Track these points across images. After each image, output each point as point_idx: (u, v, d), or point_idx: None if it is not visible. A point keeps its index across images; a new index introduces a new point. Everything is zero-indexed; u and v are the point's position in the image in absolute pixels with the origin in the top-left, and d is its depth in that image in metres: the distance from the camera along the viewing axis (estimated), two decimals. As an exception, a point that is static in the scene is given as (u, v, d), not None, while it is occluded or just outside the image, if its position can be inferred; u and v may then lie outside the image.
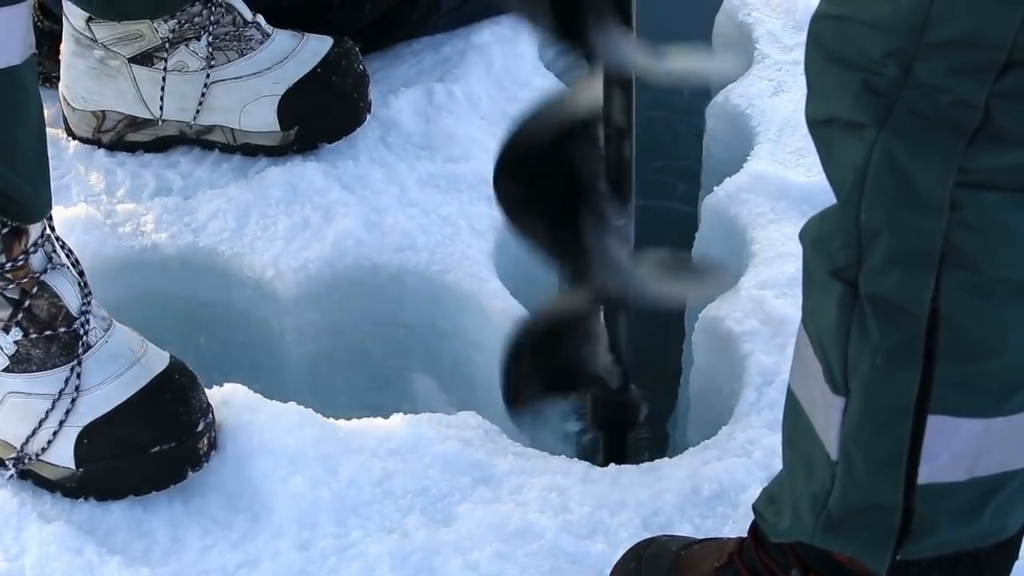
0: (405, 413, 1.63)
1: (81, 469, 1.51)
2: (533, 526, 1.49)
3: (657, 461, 1.59)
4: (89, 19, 1.88)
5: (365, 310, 1.86)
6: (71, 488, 1.53)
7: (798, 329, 1.15)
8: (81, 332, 1.51)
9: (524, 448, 1.60)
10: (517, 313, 1.75)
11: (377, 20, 2.07)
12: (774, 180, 1.86)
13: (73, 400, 1.51)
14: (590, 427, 1.72)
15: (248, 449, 1.55)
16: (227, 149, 1.94)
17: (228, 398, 1.60)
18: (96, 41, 1.89)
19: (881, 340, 1.06)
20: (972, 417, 1.08)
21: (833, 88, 1.04)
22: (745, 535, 1.31)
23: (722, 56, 1.70)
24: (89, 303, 1.53)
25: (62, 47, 1.93)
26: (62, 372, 1.51)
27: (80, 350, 1.51)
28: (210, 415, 1.54)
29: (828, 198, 1.08)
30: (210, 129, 1.93)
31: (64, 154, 1.95)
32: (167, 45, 1.88)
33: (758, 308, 1.70)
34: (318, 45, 1.92)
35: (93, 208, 1.88)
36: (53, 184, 1.54)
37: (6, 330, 1.50)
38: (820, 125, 1.07)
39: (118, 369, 1.52)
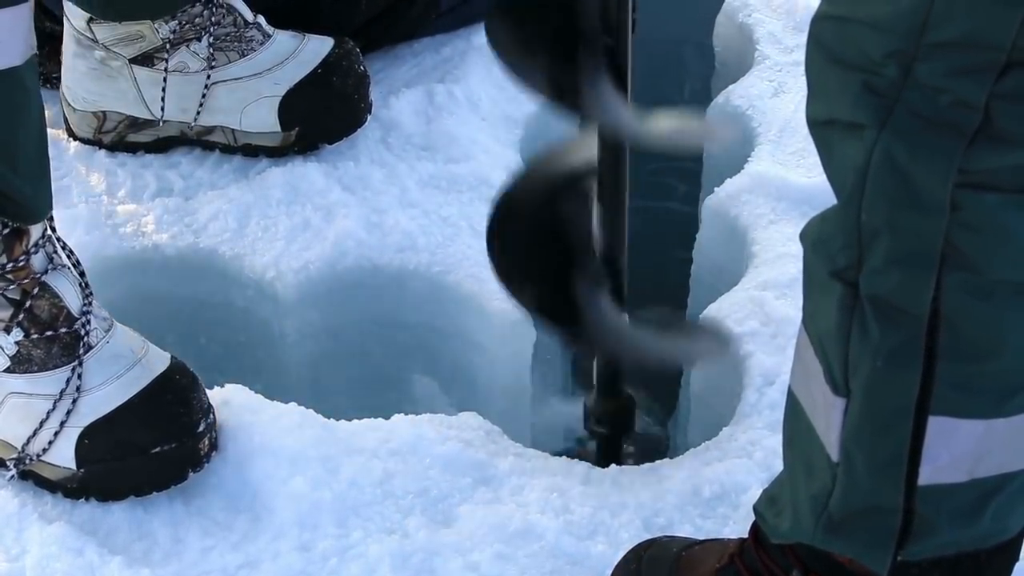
0: (406, 414, 1.63)
1: (82, 470, 1.51)
2: (534, 527, 1.49)
3: (658, 462, 1.59)
4: (90, 20, 1.88)
5: (366, 311, 1.86)
6: (72, 489, 1.53)
7: (799, 330, 1.15)
8: (82, 333, 1.51)
9: (525, 449, 1.60)
10: (518, 314, 1.75)
11: (375, 18, 2.07)
12: (775, 181, 1.86)
13: (74, 401, 1.51)
14: (589, 431, 1.73)
15: (249, 450, 1.55)
16: (228, 150, 1.94)
17: (229, 399, 1.60)
18: (97, 42, 1.89)
19: (882, 341, 1.06)
20: (973, 418, 1.08)
21: (833, 89, 1.04)
22: (746, 536, 1.31)
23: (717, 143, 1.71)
24: (90, 304, 1.53)
25: (63, 48, 1.93)
26: (63, 373, 1.51)
27: (81, 351, 1.51)
28: (211, 416, 1.54)
29: (829, 199, 1.08)
30: (211, 130, 1.93)
31: (65, 155, 1.95)
32: (168, 46, 1.88)
33: (759, 309, 1.70)
34: (319, 46, 1.92)
35: (94, 209, 1.88)
36: (54, 185, 1.54)
37: (7, 331, 1.50)
38: (820, 126, 1.07)
39: (119, 370, 1.52)
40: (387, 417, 1.62)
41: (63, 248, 1.55)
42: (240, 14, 1.90)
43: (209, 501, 1.53)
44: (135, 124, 1.93)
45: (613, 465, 1.59)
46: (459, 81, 2.04)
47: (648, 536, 1.46)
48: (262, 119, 1.90)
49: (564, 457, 1.60)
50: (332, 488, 1.53)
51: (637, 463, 1.62)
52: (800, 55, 1.09)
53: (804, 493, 1.17)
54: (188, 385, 1.54)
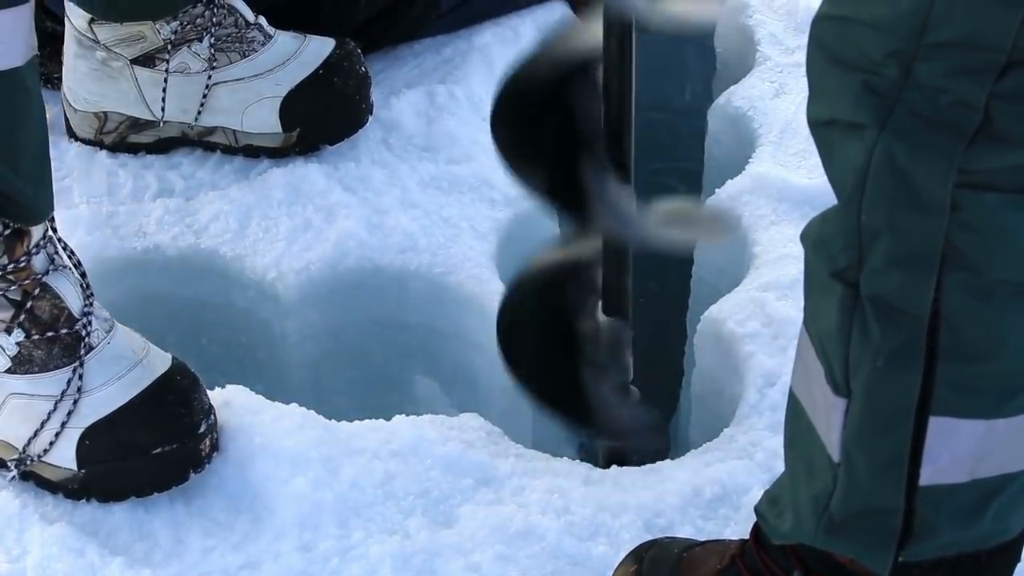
0: (407, 415, 1.63)
1: (83, 470, 1.51)
2: (535, 528, 1.49)
3: (659, 463, 1.59)
4: (91, 20, 1.88)
5: (367, 311, 1.86)
6: (73, 489, 1.53)
7: (800, 331, 1.15)
8: (83, 333, 1.51)
9: (526, 450, 1.60)
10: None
11: (376, 18, 2.07)
12: (775, 182, 1.86)
13: (75, 401, 1.51)
14: (591, 433, 1.73)
15: (250, 451, 1.55)
16: (229, 151, 1.94)
17: (230, 399, 1.60)
18: (98, 42, 1.89)
19: (882, 342, 1.06)
20: (973, 419, 1.08)
21: (834, 89, 1.04)
22: (747, 537, 1.31)
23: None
24: (91, 304, 1.53)
25: (64, 48, 1.93)
26: (64, 373, 1.51)
27: (82, 351, 1.51)
28: (212, 417, 1.54)
29: (829, 200, 1.08)
30: (212, 131, 1.93)
31: (66, 155, 1.95)
32: (169, 46, 1.88)
33: (760, 310, 1.70)
34: (320, 47, 1.92)
35: (95, 209, 1.88)
36: (55, 185, 1.54)
37: (8, 331, 1.50)
38: (821, 126, 1.07)
39: (120, 370, 1.52)
40: (388, 418, 1.62)
41: (64, 249, 1.55)
42: (241, 15, 1.90)
43: (210, 502, 1.53)
44: (136, 125, 1.93)
45: (614, 466, 1.59)
46: (460, 82, 2.04)
47: (649, 537, 1.46)
48: (263, 120, 1.90)
49: (565, 458, 1.60)
50: (333, 489, 1.53)
51: (638, 464, 1.61)
52: (801, 56, 1.09)
53: (805, 494, 1.17)
54: (189, 386, 1.54)
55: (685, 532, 1.48)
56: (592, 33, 1.39)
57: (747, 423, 1.59)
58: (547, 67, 1.43)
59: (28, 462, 1.52)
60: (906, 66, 0.98)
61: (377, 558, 1.47)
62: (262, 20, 1.92)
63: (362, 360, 1.89)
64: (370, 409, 1.69)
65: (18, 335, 1.50)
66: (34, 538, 1.48)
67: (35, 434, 1.51)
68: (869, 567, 1.17)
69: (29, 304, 1.50)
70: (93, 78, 1.91)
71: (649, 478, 1.56)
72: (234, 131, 1.92)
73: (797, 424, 1.18)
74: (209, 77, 1.89)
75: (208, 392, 1.57)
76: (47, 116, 1.51)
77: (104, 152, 1.95)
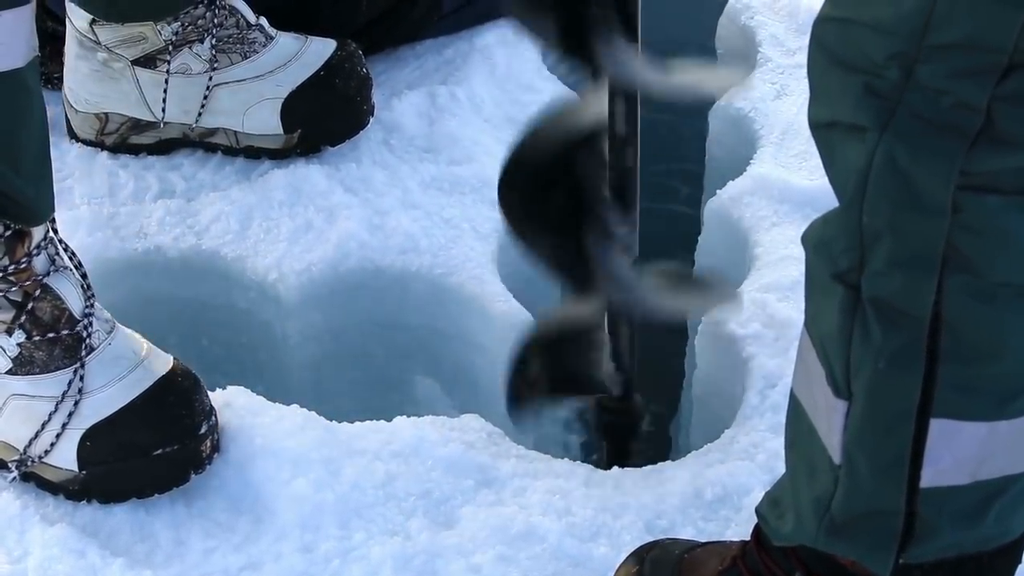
0: (408, 416, 1.63)
1: (84, 471, 1.51)
2: (536, 529, 1.49)
3: (660, 464, 1.59)
4: (92, 21, 1.88)
5: (368, 312, 1.86)
6: (74, 490, 1.53)
7: (801, 332, 1.15)
8: (84, 334, 1.51)
9: (527, 451, 1.60)
10: (520, 316, 1.75)
11: (377, 20, 2.07)
12: (777, 183, 1.86)
13: (76, 402, 1.51)
14: (592, 434, 1.73)
15: (251, 452, 1.55)
16: (230, 152, 1.94)
17: (231, 401, 1.60)
18: (99, 43, 1.89)
19: (883, 344, 1.06)
20: (975, 420, 1.08)
21: (835, 91, 1.04)
22: (748, 538, 1.31)
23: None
24: (92, 305, 1.53)
25: (65, 49, 1.93)
26: (65, 374, 1.51)
27: (83, 352, 1.51)
28: (213, 418, 1.54)
29: (831, 201, 1.08)
30: (213, 132, 1.93)
31: (67, 156, 1.95)
32: (170, 47, 1.88)
33: (761, 311, 1.70)
34: (321, 48, 1.92)
35: (96, 210, 1.88)
36: (56, 186, 1.54)
37: (9, 332, 1.50)
38: (822, 128, 1.07)
39: (121, 372, 1.52)
40: (389, 419, 1.62)
41: (65, 250, 1.55)
42: (243, 16, 1.90)
43: (211, 503, 1.53)
44: (137, 126, 1.93)
45: (615, 467, 1.59)
46: (461, 83, 2.04)
47: (650, 538, 1.46)
48: (264, 121, 1.90)
49: (566, 459, 1.60)
50: (334, 490, 1.53)
51: (640, 464, 1.62)
52: (802, 57, 1.09)
53: (806, 495, 1.17)
54: (190, 387, 1.54)
55: (686, 533, 1.48)
56: (597, 105, 1.40)
57: (748, 424, 1.59)
58: (552, 140, 1.44)
59: (29, 463, 1.52)
60: (907, 68, 0.98)
61: (378, 559, 1.47)
62: (263, 21, 1.92)
63: (363, 361, 1.89)
64: (371, 410, 1.69)
65: (19, 336, 1.50)
66: (35, 539, 1.48)
67: (36, 435, 1.51)
68: (870, 569, 1.17)
69: (30, 305, 1.50)
70: (94, 79, 1.91)
71: (650, 479, 1.56)
72: (235, 132, 1.92)
73: (798, 426, 1.18)
74: (210, 78, 1.89)
75: (209, 393, 1.57)
76: (48, 117, 1.51)
77: (105, 153, 1.95)
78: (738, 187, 1.88)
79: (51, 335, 1.50)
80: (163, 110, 1.91)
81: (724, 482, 1.53)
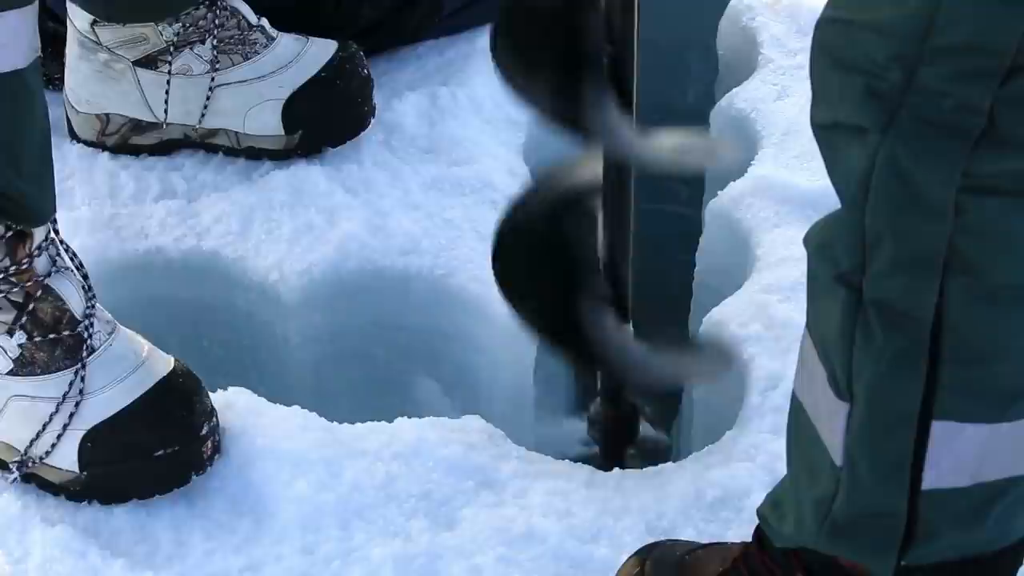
0: (408, 417, 1.63)
1: (85, 472, 1.51)
2: (537, 530, 1.49)
3: (661, 466, 1.59)
4: (94, 22, 1.88)
5: (369, 313, 1.86)
6: (75, 491, 1.53)
7: (802, 334, 1.15)
8: (85, 335, 1.51)
9: (528, 452, 1.60)
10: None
11: (378, 21, 2.07)
12: (778, 184, 1.86)
13: (77, 403, 1.51)
14: (593, 438, 1.73)
15: (251, 453, 1.55)
16: (231, 152, 1.94)
17: (232, 402, 1.60)
18: (100, 44, 1.89)
19: (885, 345, 1.06)
20: (977, 422, 1.08)
21: (837, 92, 1.04)
22: (749, 540, 1.31)
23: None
24: (93, 306, 1.53)
25: (67, 50, 1.93)
26: (66, 375, 1.51)
27: (84, 353, 1.51)
28: (214, 419, 1.54)
29: (832, 202, 1.08)
30: (214, 133, 1.93)
31: (68, 157, 1.95)
32: (172, 48, 1.88)
33: (762, 312, 1.70)
34: (322, 49, 1.92)
35: (97, 211, 1.88)
36: (57, 187, 1.54)
37: (10, 333, 1.50)
38: (824, 129, 1.07)
39: (122, 373, 1.52)
40: (390, 420, 1.62)
41: (66, 251, 1.55)
42: (244, 17, 1.90)
43: (212, 504, 1.53)
44: (138, 127, 1.93)
45: (616, 469, 1.59)
46: (462, 84, 2.04)
47: (651, 540, 1.46)
48: (265, 122, 1.90)
49: (567, 460, 1.60)
50: (335, 491, 1.53)
51: (640, 467, 1.61)
52: (804, 58, 1.09)
53: (808, 497, 1.17)
54: (191, 388, 1.54)
55: (687, 535, 1.48)
56: (590, 166, 1.41)
57: (749, 426, 1.59)
58: (547, 201, 1.44)
59: (30, 464, 1.52)
60: (910, 70, 0.98)
61: (379, 560, 1.47)
62: (264, 22, 1.92)
63: (364, 362, 1.89)
64: (372, 411, 1.69)
65: (20, 337, 1.50)
66: (36, 540, 1.48)
67: (37, 436, 1.51)
68: (871, 571, 1.17)
69: (31, 306, 1.49)
70: (95, 80, 1.91)
71: (651, 480, 1.56)
72: (236, 133, 1.92)
73: (800, 427, 1.18)
74: (212, 79, 1.89)
75: (210, 394, 1.57)
76: (49, 118, 1.51)
77: (106, 154, 1.95)
78: (739, 188, 1.88)
79: (52, 336, 1.50)
80: (165, 111, 1.91)
81: (725, 483, 1.53)
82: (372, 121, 1.96)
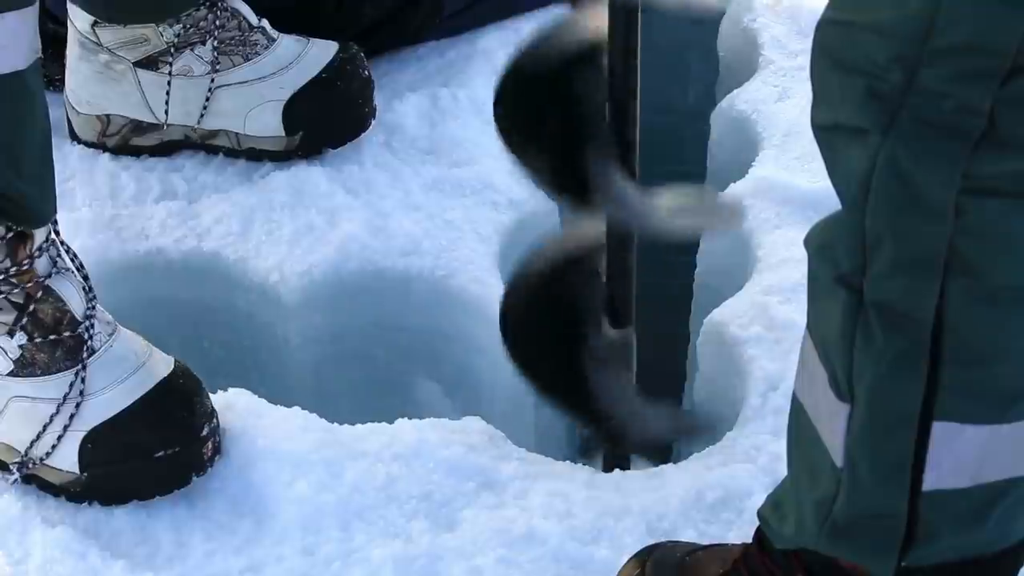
0: (409, 418, 1.63)
1: (85, 473, 1.51)
2: (537, 531, 1.49)
3: (661, 467, 1.59)
4: (94, 23, 1.88)
5: (369, 314, 1.86)
6: (75, 492, 1.53)
7: (803, 335, 1.15)
8: (86, 336, 1.51)
9: (528, 453, 1.60)
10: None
11: (379, 22, 2.07)
12: (779, 186, 1.86)
13: (78, 404, 1.51)
14: (594, 440, 1.73)
15: (252, 454, 1.55)
16: (231, 153, 1.94)
17: (232, 403, 1.60)
18: (101, 45, 1.89)
19: (886, 347, 1.06)
20: (977, 424, 1.08)
21: (837, 94, 1.04)
22: (750, 541, 1.31)
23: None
24: (93, 307, 1.53)
25: (67, 51, 1.93)
26: (67, 376, 1.51)
27: (85, 354, 1.51)
28: (214, 420, 1.54)
29: (833, 204, 1.08)
30: (215, 134, 1.93)
31: (68, 158, 1.95)
32: (172, 49, 1.88)
33: (762, 313, 1.70)
34: (323, 50, 1.92)
35: (97, 212, 1.88)
36: (58, 188, 1.54)
37: (10, 334, 1.50)
38: (825, 131, 1.07)
39: (122, 374, 1.52)
40: (390, 421, 1.62)
41: (67, 252, 1.55)
42: (245, 18, 1.90)
43: (212, 505, 1.53)
44: (139, 128, 1.93)
45: (616, 470, 1.59)
46: (463, 85, 2.04)
47: (652, 541, 1.46)
48: (266, 123, 1.90)
49: (567, 462, 1.60)
50: (335, 492, 1.53)
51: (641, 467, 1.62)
52: (805, 60, 1.09)
53: (808, 498, 1.17)
54: (192, 389, 1.54)
55: (688, 536, 1.48)
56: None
57: (749, 427, 1.59)
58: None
59: (30, 465, 1.52)
60: (910, 71, 0.98)
61: (379, 561, 1.47)
62: (265, 23, 1.92)
63: (364, 363, 1.89)
64: (372, 412, 1.69)
65: (20, 338, 1.50)
66: (36, 541, 1.48)
67: (37, 437, 1.51)
68: (872, 572, 1.17)
69: (32, 307, 1.49)
70: (96, 81, 1.92)
71: (651, 482, 1.55)
72: (237, 134, 1.92)
73: (800, 428, 1.18)
74: (212, 80, 1.89)
75: (210, 395, 1.57)
76: (49, 119, 1.51)
77: (107, 155, 1.95)
78: (740, 189, 1.88)
79: (52, 337, 1.50)
80: (165, 112, 1.91)
81: (725, 485, 1.53)
82: (373, 122, 1.96)
